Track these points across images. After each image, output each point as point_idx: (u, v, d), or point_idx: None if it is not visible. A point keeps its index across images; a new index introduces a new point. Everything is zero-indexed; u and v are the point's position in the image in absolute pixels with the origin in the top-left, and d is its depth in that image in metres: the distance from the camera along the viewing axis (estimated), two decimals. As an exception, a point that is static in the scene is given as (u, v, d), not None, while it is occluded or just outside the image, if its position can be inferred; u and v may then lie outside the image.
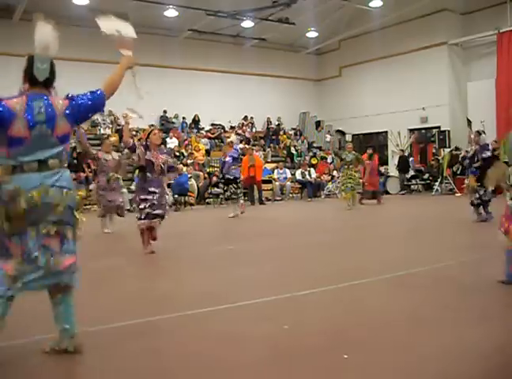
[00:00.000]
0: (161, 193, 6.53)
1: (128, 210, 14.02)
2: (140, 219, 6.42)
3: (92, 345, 3.16)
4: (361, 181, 13.51)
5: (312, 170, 18.12)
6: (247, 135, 21.14)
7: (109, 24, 3.66)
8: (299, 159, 20.89)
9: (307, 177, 17.59)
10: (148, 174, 6.41)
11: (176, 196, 14.70)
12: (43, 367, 2.87)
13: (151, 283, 4.96)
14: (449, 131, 18.17)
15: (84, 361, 2.93)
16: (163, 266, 5.66)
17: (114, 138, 16.00)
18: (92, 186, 10.26)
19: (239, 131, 21.28)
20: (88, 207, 13.94)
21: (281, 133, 22.65)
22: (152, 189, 6.37)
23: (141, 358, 2.92)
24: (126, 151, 8.94)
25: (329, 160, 20.84)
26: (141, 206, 6.39)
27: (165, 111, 19.95)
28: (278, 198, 17.11)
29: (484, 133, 9.65)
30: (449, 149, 17.66)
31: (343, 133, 13.91)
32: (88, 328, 3.41)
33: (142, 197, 6.40)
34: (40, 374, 2.81)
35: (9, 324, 2.88)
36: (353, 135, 22.75)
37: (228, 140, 12.52)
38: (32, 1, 15.66)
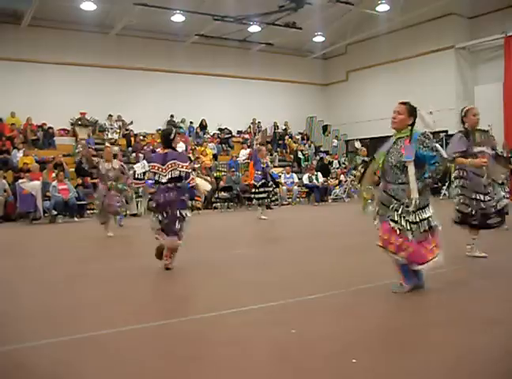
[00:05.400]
0: None
1: (135, 214, 14.11)
2: None
3: (104, 348, 3.17)
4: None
5: (319, 174, 18.10)
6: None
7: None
8: (306, 163, 20.87)
9: (314, 181, 17.57)
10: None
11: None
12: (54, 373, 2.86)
13: (160, 288, 4.95)
14: (456, 135, 18.08)
15: (96, 364, 2.92)
16: (172, 271, 5.64)
17: (116, 148, 15.84)
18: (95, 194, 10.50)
19: (246, 136, 21.31)
20: (93, 212, 13.99)
21: (288, 137, 22.65)
22: None
23: (151, 361, 2.91)
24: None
25: (335, 165, 20.82)
26: None
27: (172, 116, 20.01)
28: (285, 203, 17.09)
29: (493, 137, 9.53)
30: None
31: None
32: (101, 332, 3.41)
33: None
34: None
35: (18, 327, 2.88)
36: (360, 139, 22.72)
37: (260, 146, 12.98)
38: (40, 7, 15.80)
